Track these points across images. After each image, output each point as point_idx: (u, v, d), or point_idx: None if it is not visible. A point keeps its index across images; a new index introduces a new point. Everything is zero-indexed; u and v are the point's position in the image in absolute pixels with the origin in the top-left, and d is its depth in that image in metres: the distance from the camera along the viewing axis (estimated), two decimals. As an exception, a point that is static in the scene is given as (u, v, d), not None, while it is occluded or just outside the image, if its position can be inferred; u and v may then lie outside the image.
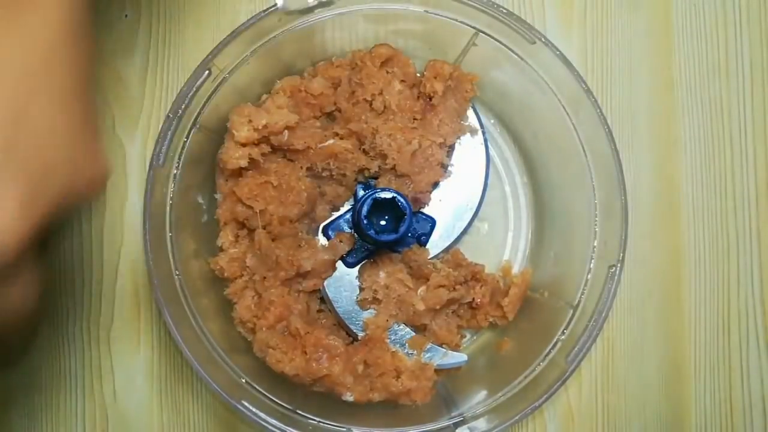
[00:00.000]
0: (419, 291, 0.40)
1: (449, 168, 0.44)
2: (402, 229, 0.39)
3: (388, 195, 0.39)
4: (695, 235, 0.46)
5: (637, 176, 0.46)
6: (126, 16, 0.45)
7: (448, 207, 0.43)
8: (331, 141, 0.42)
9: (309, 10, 0.39)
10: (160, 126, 0.37)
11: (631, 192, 0.40)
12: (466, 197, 0.44)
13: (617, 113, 0.46)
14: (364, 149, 0.42)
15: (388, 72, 0.43)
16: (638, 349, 0.46)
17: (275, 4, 0.37)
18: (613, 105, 0.47)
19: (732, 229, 0.46)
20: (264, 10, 0.38)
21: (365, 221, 0.39)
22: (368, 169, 0.43)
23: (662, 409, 0.46)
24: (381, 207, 0.39)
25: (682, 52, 0.47)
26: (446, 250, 0.43)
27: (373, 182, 0.43)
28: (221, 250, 0.41)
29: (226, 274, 0.40)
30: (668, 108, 0.47)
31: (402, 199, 0.39)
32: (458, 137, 0.44)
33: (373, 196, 0.39)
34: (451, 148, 0.44)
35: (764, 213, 0.46)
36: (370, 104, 0.42)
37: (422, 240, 0.43)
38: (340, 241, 0.41)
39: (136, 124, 0.44)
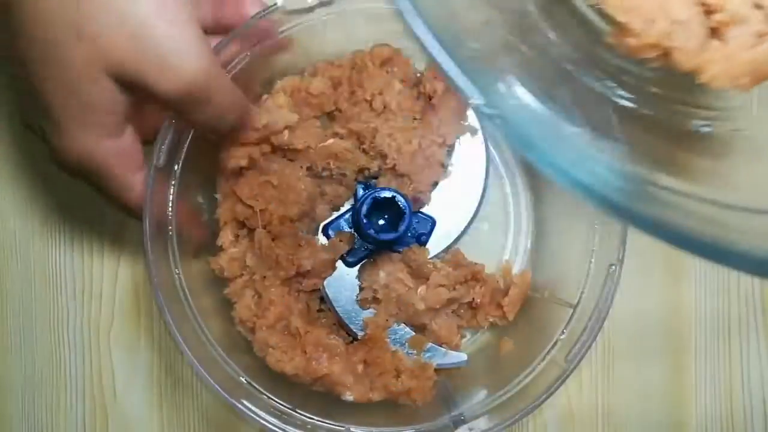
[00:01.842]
0: (419, 290, 0.40)
1: (449, 168, 0.44)
2: (401, 228, 0.39)
3: (387, 194, 0.39)
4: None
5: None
6: None
7: (448, 207, 0.43)
8: (331, 141, 0.42)
9: (310, 9, 0.39)
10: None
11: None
12: (466, 197, 0.44)
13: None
14: (364, 149, 0.42)
15: (388, 72, 0.43)
16: (638, 349, 0.46)
17: (275, 4, 0.37)
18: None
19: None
20: (264, 10, 0.38)
21: (365, 220, 0.39)
22: (368, 169, 0.43)
23: (662, 409, 0.46)
24: (381, 206, 0.40)
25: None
26: (446, 249, 0.43)
27: (373, 182, 0.43)
28: (221, 249, 0.41)
29: (226, 274, 0.40)
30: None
31: (401, 198, 0.39)
32: (458, 137, 0.44)
33: (373, 195, 0.39)
34: (451, 147, 0.44)
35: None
36: (370, 104, 0.42)
37: (422, 240, 0.43)
38: (340, 241, 0.41)
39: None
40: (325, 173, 0.42)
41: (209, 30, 0.37)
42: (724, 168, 0.31)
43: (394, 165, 0.42)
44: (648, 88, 0.30)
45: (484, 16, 0.30)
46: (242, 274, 0.40)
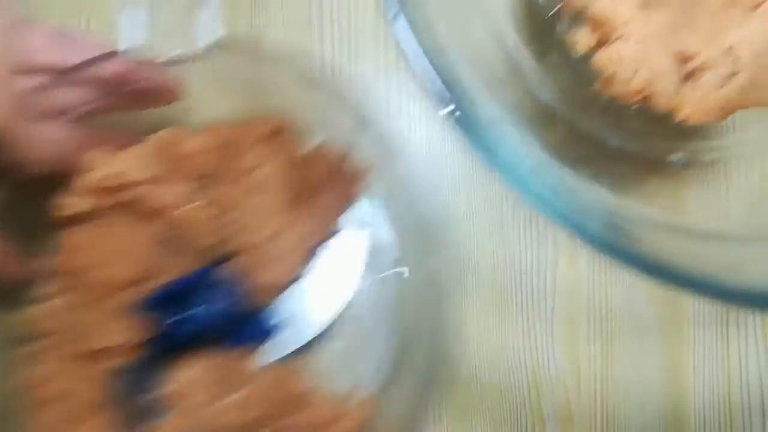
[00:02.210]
0: (226, 401, 0.35)
1: (315, 265, 0.38)
2: (197, 313, 0.35)
3: (197, 275, 0.36)
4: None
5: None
6: None
7: (303, 307, 0.38)
8: (189, 206, 0.38)
9: (173, 62, 0.35)
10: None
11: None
12: (329, 300, 0.38)
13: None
14: (224, 224, 0.38)
15: (271, 145, 0.38)
16: (638, 349, 0.43)
17: (117, 50, 0.33)
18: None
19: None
20: (102, 56, 0.33)
21: (161, 300, 0.35)
22: (222, 246, 0.38)
23: (662, 408, 0.43)
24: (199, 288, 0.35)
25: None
26: (287, 358, 0.37)
27: (226, 262, 0.38)
28: (34, 302, 0.37)
29: (32, 330, 0.36)
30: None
31: (212, 282, 0.36)
32: (334, 233, 0.39)
33: (184, 276, 0.35)
34: (322, 244, 0.38)
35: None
36: (244, 177, 0.38)
37: (255, 341, 0.37)
38: (153, 322, 0.36)
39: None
40: (174, 241, 0.38)
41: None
42: (702, 197, 0.36)
43: (252, 248, 0.37)
44: (632, 125, 0.34)
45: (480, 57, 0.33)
46: (45, 336, 0.36)
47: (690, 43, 0.29)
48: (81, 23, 0.43)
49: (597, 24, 0.30)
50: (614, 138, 0.35)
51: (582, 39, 0.31)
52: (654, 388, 0.43)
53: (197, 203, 0.38)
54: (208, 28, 0.34)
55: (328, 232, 0.38)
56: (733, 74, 0.30)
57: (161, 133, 0.38)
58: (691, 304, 0.43)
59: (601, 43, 0.31)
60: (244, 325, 0.37)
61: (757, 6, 0.30)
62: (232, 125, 0.39)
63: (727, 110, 0.31)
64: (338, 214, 0.38)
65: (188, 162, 0.38)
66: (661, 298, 0.43)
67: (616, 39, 0.30)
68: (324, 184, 0.38)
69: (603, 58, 0.30)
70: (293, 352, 0.37)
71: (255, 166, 0.38)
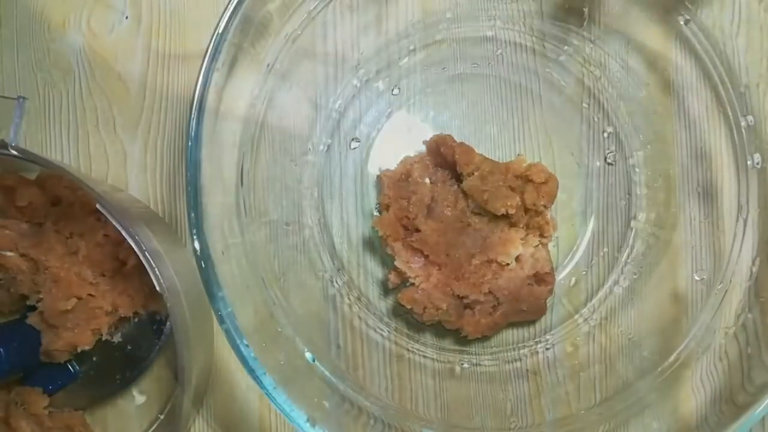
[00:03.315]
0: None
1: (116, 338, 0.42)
2: None
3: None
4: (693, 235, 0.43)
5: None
6: (126, 17, 0.44)
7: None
8: (10, 254, 0.40)
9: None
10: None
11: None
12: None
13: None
14: (34, 279, 0.40)
15: (98, 219, 0.40)
16: (638, 349, 0.43)
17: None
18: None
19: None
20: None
21: None
22: (33, 298, 0.40)
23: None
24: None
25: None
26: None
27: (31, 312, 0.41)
28: None
29: None
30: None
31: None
32: (140, 315, 0.42)
33: None
34: (127, 321, 0.42)
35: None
36: (65, 242, 0.40)
37: (49, 389, 0.41)
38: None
39: (136, 125, 0.44)
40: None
41: None
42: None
43: (43, 311, 0.40)
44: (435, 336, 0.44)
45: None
46: None
47: (461, 289, 0.40)
48: (81, 23, 0.44)
49: (398, 272, 0.41)
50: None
51: (391, 279, 0.41)
52: (654, 389, 0.42)
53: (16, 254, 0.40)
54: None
55: (131, 309, 0.41)
56: (495, 307, 0.41)
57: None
58: (691, 302, 0.43)
59: (403, 284, 0.41)
60: (42, 370, 0.41)
61: (506, 266, 0.41)
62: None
63: (496, 328, 0.42)
64: (149, 297, 0.41)
65: (27, 208, 0.40)
66: (660, 298, 0.43)
67: (411, 284, 0.41)
68: (136, 264, 0.39)
69: (403, 297, 0.40)
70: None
71: (78, 235, 0.40)
